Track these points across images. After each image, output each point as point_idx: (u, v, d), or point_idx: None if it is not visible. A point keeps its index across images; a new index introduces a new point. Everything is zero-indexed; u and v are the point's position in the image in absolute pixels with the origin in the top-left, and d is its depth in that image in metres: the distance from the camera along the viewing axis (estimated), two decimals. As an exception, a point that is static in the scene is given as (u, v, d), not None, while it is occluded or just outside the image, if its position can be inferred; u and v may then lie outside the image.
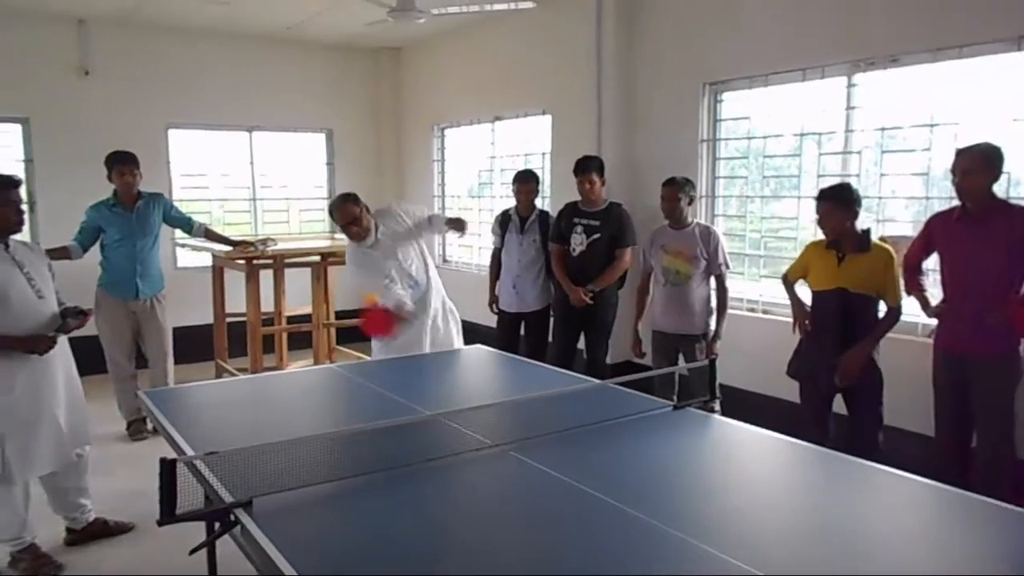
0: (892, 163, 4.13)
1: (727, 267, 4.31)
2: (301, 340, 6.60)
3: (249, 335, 5.49)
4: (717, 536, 1.77)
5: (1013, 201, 3.39)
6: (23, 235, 3.32)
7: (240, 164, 7.49)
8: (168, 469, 1.84)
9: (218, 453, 2.03)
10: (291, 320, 6.32)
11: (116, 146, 4.97)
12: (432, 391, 3.24)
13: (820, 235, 3.63)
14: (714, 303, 4.31)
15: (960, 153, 3.22)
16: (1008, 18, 3.52)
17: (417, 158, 8.00)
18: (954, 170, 3.23)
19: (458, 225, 4.25)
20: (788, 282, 3.78)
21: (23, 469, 3.13)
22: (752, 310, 4.82)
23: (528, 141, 6.58)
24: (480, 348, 4.01)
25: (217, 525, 1.96)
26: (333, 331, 6.46)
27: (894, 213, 4.17)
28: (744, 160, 5.01)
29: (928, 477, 2.11)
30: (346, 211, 3.98)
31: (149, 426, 4.93)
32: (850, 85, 4.21)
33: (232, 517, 1.90)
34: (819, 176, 4.37)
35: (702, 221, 4.61)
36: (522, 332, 5.21)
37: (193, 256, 6.79)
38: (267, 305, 5.86)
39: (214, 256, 5.92)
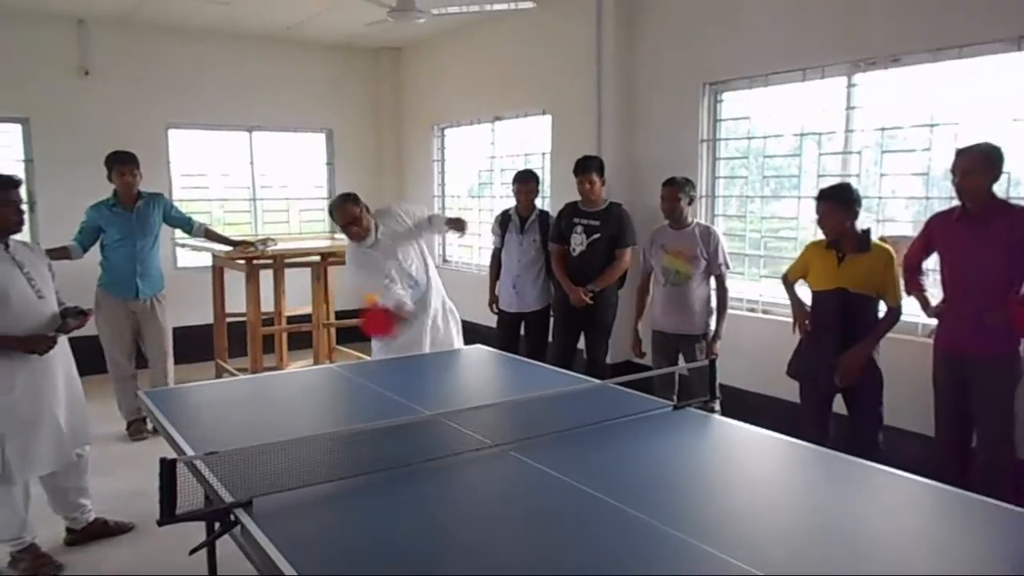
0: (892, 163, 4.13)
1: (727, 267, 4.31)
2: (301, 340, 6.61)
3: (249, 335, 5.49)
4: (717, 536, 1.77)
5: (1013, 201, 3.39)
6: (23, 235, 3.32)
7: (240, 164, 7.49)
8: (168, 469, 1.84)
9: (218, 453, 2.03)
10: (291, 320, 6.32)
11: (116, 146, 4.97)
12: (432, 391, 3.24)
13: (820, 235, 3.63)
14: (714, 303, 4.31)
15: (960, 153, 3.22)
16: (1008, 18, 3.52)
17: (417, 158, 8.00)
18: (954, 170, 3.23)
19: (458, 225, 4.25)
20: (788, 282, 3.78)
21: (23, 469, 3.13)
22: (752, 310, 4.82)
23: (528, 141, 6.58)
24: (480, 348, 4.01)
25: (217, 525, 1.96)
26: (333, 331, 6.46)
27: (894, 213, 4.17)
28: (744, 160, 5.01)
29: (928, 477, 2.11)
30: (346, 211, 3.98)
31: (149, 426, 4.93)
32: (850, 85, 4.21)
33: (232, 517, 1.90)
34: (819, 176, 4.37)
35: (702, 221, 4.61)
36: (522, 332, 5.21)
37: (193, 256, 6.79)
38: (267, 305, 5.86)
39: (214, 256, 5.93)
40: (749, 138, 4.92)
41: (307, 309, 6.20)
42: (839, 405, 3.62)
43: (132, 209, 4.87)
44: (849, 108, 4.22)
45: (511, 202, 5.28)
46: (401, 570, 1.67)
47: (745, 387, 4.55)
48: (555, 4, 5.84)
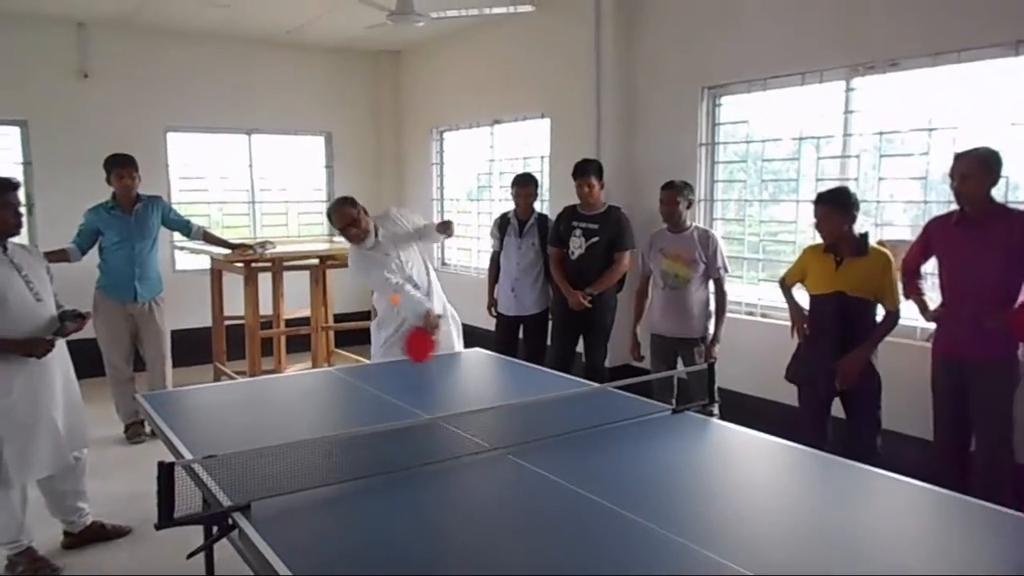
0: (890, 167, 4.14)
1: (726, 270, 4.31)
2: (299, 343, 6.60)
3: (247, 338, 5.49)
4: (716, 540, 1.77)
5: (1012, 205, 3.40)
6: (21, 237, 3.32)
7: (239, 167, 7.49)
8: (166, 473, 1.84)
9: (216, 457, 2.03)
10: (289, 323, 6.32)
11: (115, 149, 4.97)
12: (430, 394, 3.24)
13: (818, 239, 3.63)
14: (713, 307, 4.31)
15: (959, 157, 3.23)
16: (1007, 22, 3.53)
17: (416, 161, 8.01)
18: (952, 174, 3.24)
19: (445, 227, 4.27)
20: (785, 286, 3.78)
21: (21, 472, 3.12)
22: (751, 314, 4.82)
23: (527, 144, 6.58)
24: (479, 351, 4.01)
25: (215, 529, 1.96)
26: (331, 334, 6.46)
27: (892, 217, 4.18)
28: (743, 164, 5.02)
29: (926, 481, 2.11)
30: (344, 213, 3.98)
31: (147, 429, 4.93)
32: (849, 89, 4.21)
33: (230, 521, 1.90)
34: (817, 180, 4.37)
35: (701, 225, 4.61)
36: (521, 335, 5.20)
37: (191, 259, 6.79)
38: (265, 308, 5.85)
39: (213, 259, 5.92)
40: (748, 142, 4.93)
41: (305, 312, 6.20)
42: (837, 409, 3.62)
43: (131, 212, 4.87)
44: (847, 112, 4.23)
45: (510, 205, 5.28)
46: (399, 574, 1.67)
47: (744, 391, 4.55)
48: (554, 8, 5.85)
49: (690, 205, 4.37)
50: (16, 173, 6.16)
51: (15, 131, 6.40)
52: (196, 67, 7.04)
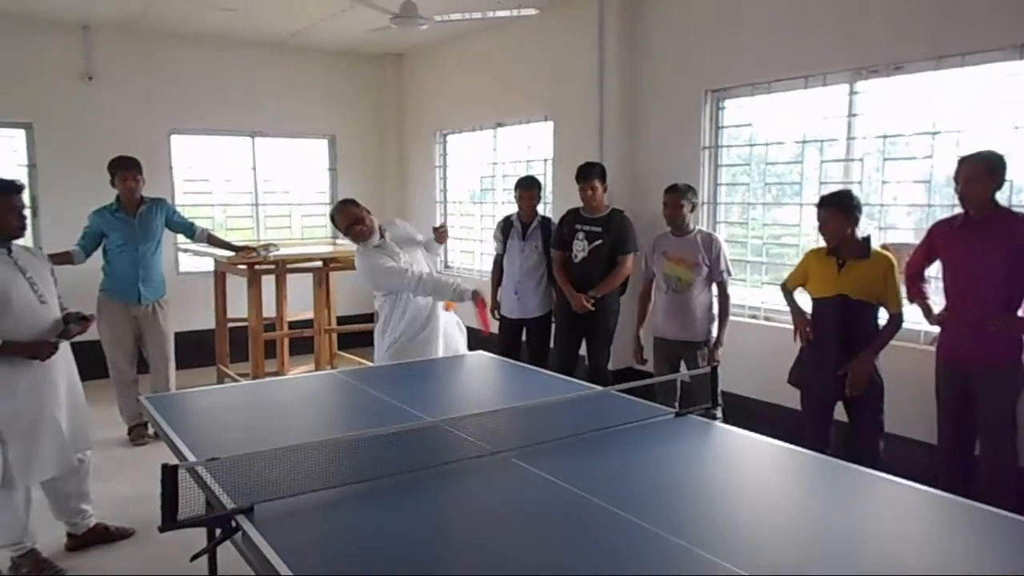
0: (894, 170, 4.14)
1: (729, 274, 4.31)
2: (303, 345, 6.60)
3: (251, 340, 5.49)
4: (719, 543, 1.77)
5: (1016, 209, 3.39)
6: (26, 240, 3.33)
7: (243, 169, 7.51)
8: (170, 475, 1.84)
9: (219, 459, 2.03)
10: (293, 325, 6.32)
11: (119, 151, 4.98)
12: (434, 397, 3.23)
13: (822, 242, 3.63)
14: (716, 310, 4.30)
15: (963, 161, 3.22)
16: (1010, 26, 3.53)
17: (419, 164, 8.02)
18: (957, 178, 3.23)
19: (439, 234, 4.29)
20: (787, 290, 3.78)
21: (25, 474, 3.12)
22: (754, 317, 4.82)
23: (530, 147, 6.59)
24: (482, 354, 4.01)
25: (218, 531, 1.96)
26: (335, 336, 6.46)
27: (896, 220, 4.17)
28: (746, 167, 5.02)
29: (930, 485, 2.11)
30: (347, 212, 3.99)
31: (150, 431, 4.93)
32: (852, 92, 4.21)
33: (233, 523, 1.90)
34: (821, 183, 4.37)
35: (704, 228, 4.61)
36: (524, 338, 5.20)
37: (195, 261, 6.81)
38: (269, 310, 5.86)
39: (216, 261, 5.93)
40: (751, 145, 4.93)
41: (309, 314, 6.20)
42: (840, 413, 3.62)
43: (135, 214, 4.88)
44: (851, 115, 4.22)
45: (513, 208, 5.29)
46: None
47: (747, 394, 4.55)
48: (557, 11, 5.85)
49: (694, 208, 4.37)
50: (21, 175, 6.18)
51: (20, 133, 6.42)
52: (200, 70, 7.06)
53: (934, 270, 3.57)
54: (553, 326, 5.10)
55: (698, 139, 5.03)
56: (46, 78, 6.39)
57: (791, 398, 3.81)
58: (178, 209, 5.55)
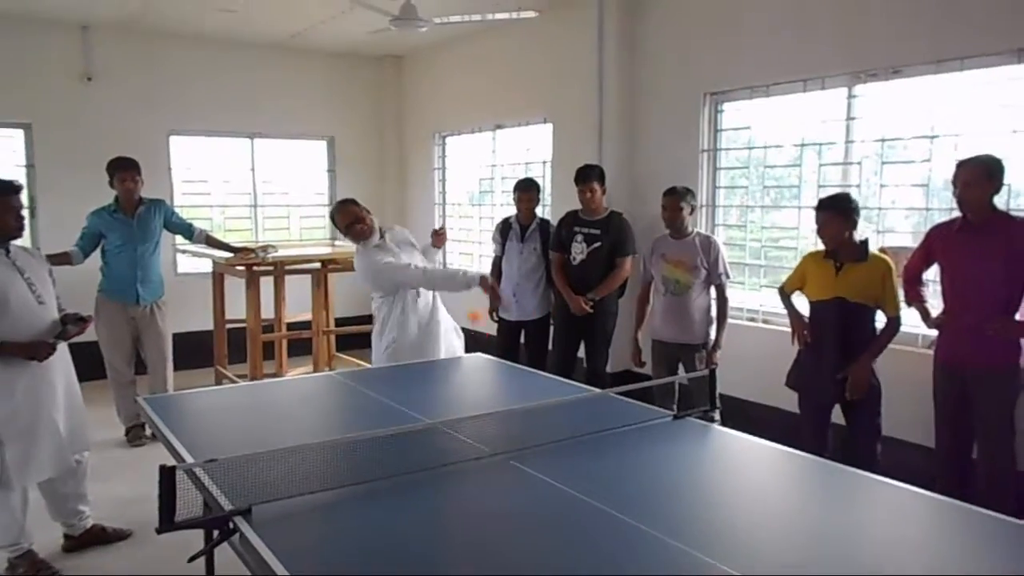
0: (892, 174, 4.15)
1: (727, 277, 4.31)
2: (301, 347, 6.60)
3: (249, 342, 5.49)
4: (716, 545, 1.77)
5: (1014, 213, 3.40)
6: (24, 240, 3.32)
7: (241, 171, 7.50)
8: (167, 476, 1.84)
9: (217, 460, 2.03)
10: (291, 327, 6.33)
11: (118, 152, 4.98)
12: (432, 399, 3.23)
13: (820, 245, 3.64)
14: (714, 312, 4.31)
15: (961, 165, 3.23)
16: (1009, 31, 3.54)
17: (418, 166, 8.02)
18: (955, 182, 3.24)
19: (438, 237, 4.30)
20: (785, 294, 3.78)
21: (22, 475, 3.12)
22: (752, 320, 4.82)
23: (529, 149, 6.59)
24: (480, 356, 4.01)
25: (216, 533, 1.96)
26: (333, 338, 6.46)
27: (894, 224, 4.18)
28: (744, 170, 5.02)
29: (927, 489, 2.11)
30: (348, 211, 3.99)
31: (148, 432, 4.93)
32: (851, 96, 4.22)
33: (231, 525, 1.89)
34: (819, 186, 4.38)
35: (702, 231, 4.61)
36: (522, 340, 5.20)
37: (193, 262, 6.80)
38: (267, 312, 5.86)
39: (214, 262, 5.93)
40: (750, 148, 4.93)
41: (307, 316, 6.20)
42: (837, 415, 3.62)
43: (133, 215, 4.88)
44: (849, 119, 4.23)
45: (512, 210, 5.29)
46: (400, 579, 1.67)
47: (745, 397, 4.55)
48: (557, 13, 5.86)
49: (693, 211, 4.37)
50: (19, 176, 6.18)
51: (19, 134, 6.42)
52: (199, 71, 7.06)
53: (932, 274, 3.57)
54: (551, 328, 5.10)
55: (697, 142, 5.04)
56: (45, 78, 6.39)
57: (789, 401, 3.81)
58: (177, 210, 5.55)
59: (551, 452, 2.40)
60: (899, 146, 4.11)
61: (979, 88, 3.75)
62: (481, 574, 1.70)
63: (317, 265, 6.02)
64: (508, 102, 6.64)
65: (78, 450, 3.40)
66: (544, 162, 6.35)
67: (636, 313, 4.58)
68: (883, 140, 4.11)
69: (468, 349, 4.27)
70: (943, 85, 3.87)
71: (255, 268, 5.49)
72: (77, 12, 6.16)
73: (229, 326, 6.15)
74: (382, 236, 4.05)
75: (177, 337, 5.25)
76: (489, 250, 5.52)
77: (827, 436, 3.61)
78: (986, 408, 3.25)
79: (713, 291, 4.30)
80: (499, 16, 5.26)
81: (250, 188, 7.55)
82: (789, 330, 3.76)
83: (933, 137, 3.92)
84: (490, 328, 5.39)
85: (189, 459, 2.24)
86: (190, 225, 5.29)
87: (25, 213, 3.27)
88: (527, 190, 5.10)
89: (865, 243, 3.50)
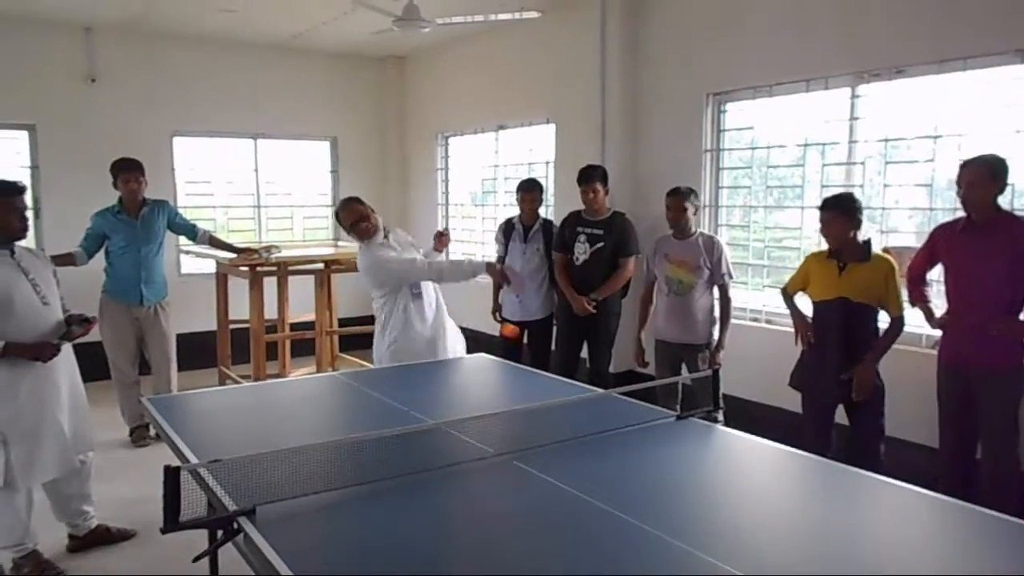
0: (896, 174, 4.14)
1: (730, 277, 4.31)
2: (304, 347, 6.60)
3: (252, 342, 5.50)
4: (720, 546, 1.77)
5: (1018, 213, 3.40)
6: (28, 241, 3.33)
7: (245, 171, 7.52)
8: (172, 477, 1.84)
9: (221, 461, 2.03)
10: (294, 327, 6.33)
11: (122, 153, 4.99)
12: (435, 400, 3.23)
13: (823, 245, 3.63)
14: (717, 313, 4.31)
15: (964, 165, 3.22)
16: (1012, 31, 3.53)
17: (421, 166, 8.03)
18: (959, 182, 3.23)
19: (440, 240, 4.30)
20: (787, 294, 3.78)
21: (27, 476, 3.13)
22: (755, 320, 4.82)
23: (532, 150, 6.60)
24: (483, 357, 4.01)
25: (220, 533, 1.96)
26: (336, 338, 6.47)
27: (898, 224, 4.17)
28: (748, 170, 5.02)
29: (931, 489, 2.11)
30: (352, 209, 3.99)
31: (152, 432, 4.94)
32: (854, 96, 4.22)
33: (235, 525, 1.90)
34: (823, 186, 4.37)
35: (705, 231, 4.61)
36: (525, 341, 5.21)
37: (197, 263, 6.81)
38: (270, 312, 5.87)
39: (218, 263, 5.94)
40: (753, 148, 4.93)
41: (310, 316, 6.21)
42: (841, 416, 3.62)
43: (137, 216, 4.89)
44: (853, 119, 4.23)
45: (515, 211, 5.30)
46: (404, 579, 1.67)
47: (748, 397, 4.54)
48: (559, 14, 5.86)
49: (696, 211, 4.37)
50: (23, 177, 6.20)
51: (23, 135, 6.44)
52: (202, 72, 7.07)
53: (936, 274, 3.57)
54: (554, 329, 5.10)
55: (700, 142, 5.03)
56: (49, 80, 6.41)
57: (792, 401, 3.81)
58: (180, 211, 5.56)
59: (554, 452, 2.40)
60: (903, 146, 4.11)
61: (982, 88, 3.75)
62: (485, 574, 1.70)
63: (320, 266, 6.02)
64: (511, 102, 6.64)
65: (82, 450, 3.41)
66: (547, 162, 6.35)
67: (639, 313, 4.58)
68: (887, 140, 4.11)
69: (471, 349, 4.28)
70: (946, 85, 3.86)
71: (258, 269, 5.50)
72: (80, 14, 6.18)
73: (232, 327, 6.16)
74: (386, 235, 4.06)
75: (181, 338, 5.26)
76: (492, 251, 5.53)
77: (830, 436, 3.61)
78: (990, 408, 3.25)
79: (716, 291, 4.30)
80: (502, 17, 5.27)
81: (253, 189, 7.56)
82: (792, 330, 3.76)
83: (937, 137, 3.91)
84: (493, 328, 5.39)
85: (193, 459, 2.25)
86: (194, 226, 5.30)
87: (29, 214, 3.28)
88: (530, 190, 5.10)
89: (868, 243, 3.50)
